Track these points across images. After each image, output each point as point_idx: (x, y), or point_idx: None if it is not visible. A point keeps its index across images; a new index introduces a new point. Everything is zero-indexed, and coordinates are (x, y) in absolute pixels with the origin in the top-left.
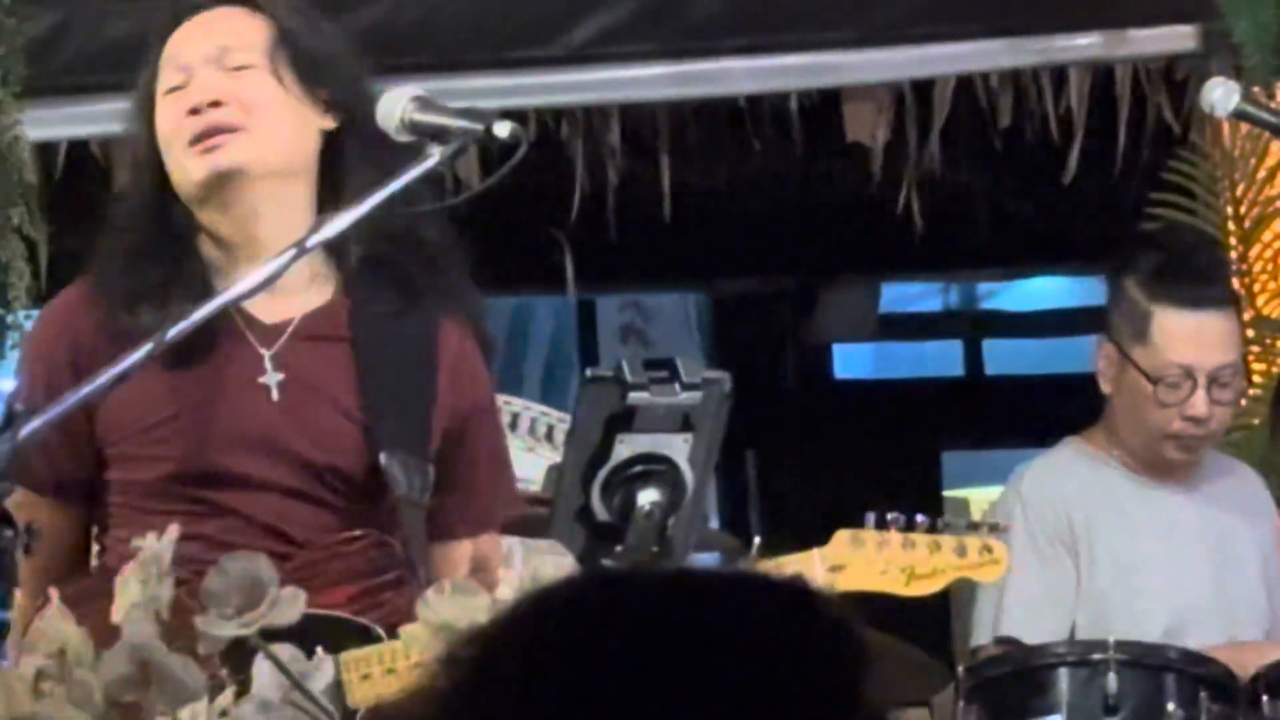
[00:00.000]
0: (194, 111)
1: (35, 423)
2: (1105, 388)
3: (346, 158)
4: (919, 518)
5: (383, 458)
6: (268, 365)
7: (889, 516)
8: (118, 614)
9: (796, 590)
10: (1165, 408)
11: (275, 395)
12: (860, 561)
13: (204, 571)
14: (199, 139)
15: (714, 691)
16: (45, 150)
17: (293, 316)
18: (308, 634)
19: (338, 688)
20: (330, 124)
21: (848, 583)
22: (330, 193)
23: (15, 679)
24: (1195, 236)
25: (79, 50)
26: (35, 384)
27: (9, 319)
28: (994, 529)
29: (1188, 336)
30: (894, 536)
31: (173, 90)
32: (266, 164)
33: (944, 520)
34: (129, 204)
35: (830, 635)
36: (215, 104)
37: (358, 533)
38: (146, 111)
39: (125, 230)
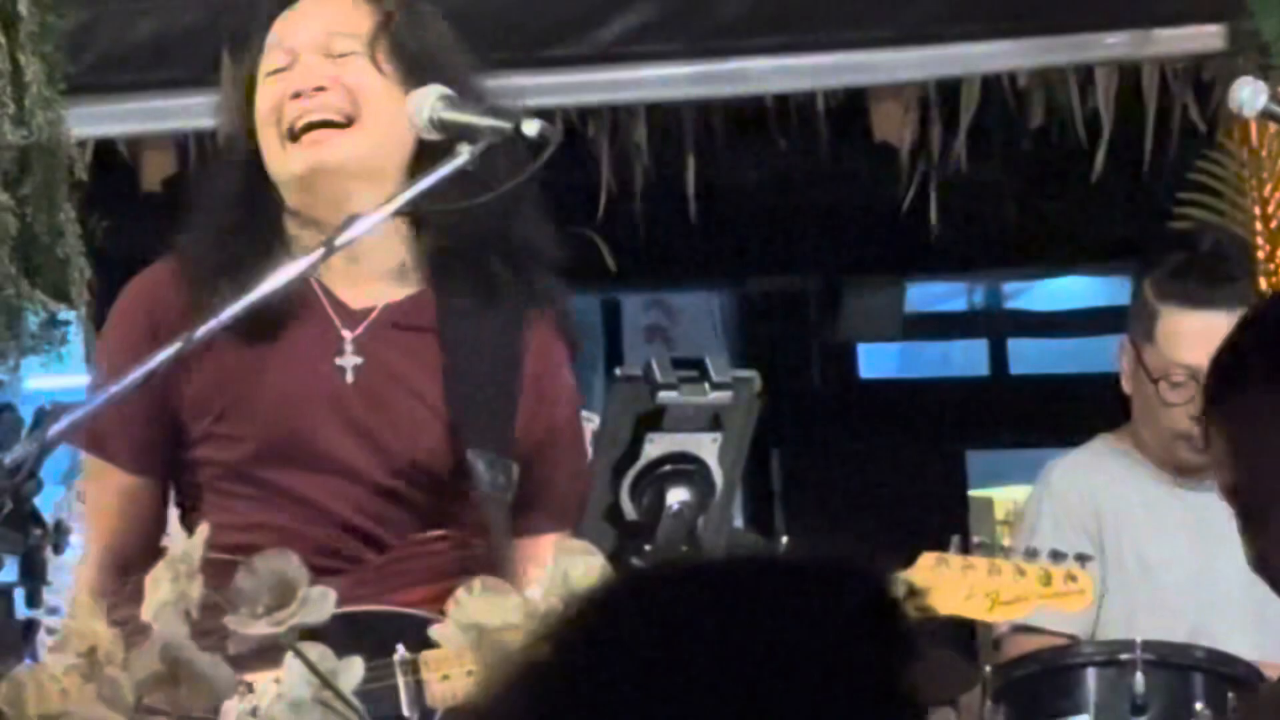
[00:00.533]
0: (297, 95)
1: (113, 389)
2: (1125, 387)
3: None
4: (1006, 543)
5: (469, 453)
6: (348, 348)
7: (973, 540)
8: (148, 612)
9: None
10: (1170, 407)
11: (350, 378)
12: (945, 585)
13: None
14: (303, 131)
15: (779, 679)
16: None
17: (378, 303)
18: (388, 632)
19: (418, 686)
20: None
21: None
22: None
23: (46, 676)
24: (1224, 237)
25: (106, 49)
26: (115, 355)
27: (70, 315)
28: (1080, 558)
29: (1190, 336)
30: (979, 561)
31: (276, 72)
32: (364, 160)
33: (1030, 547)
34: (217, 182)
35: (899, 629)
36: (319, 89)
37: (441, 532)
38: (244, 93)
39: (212, 209)
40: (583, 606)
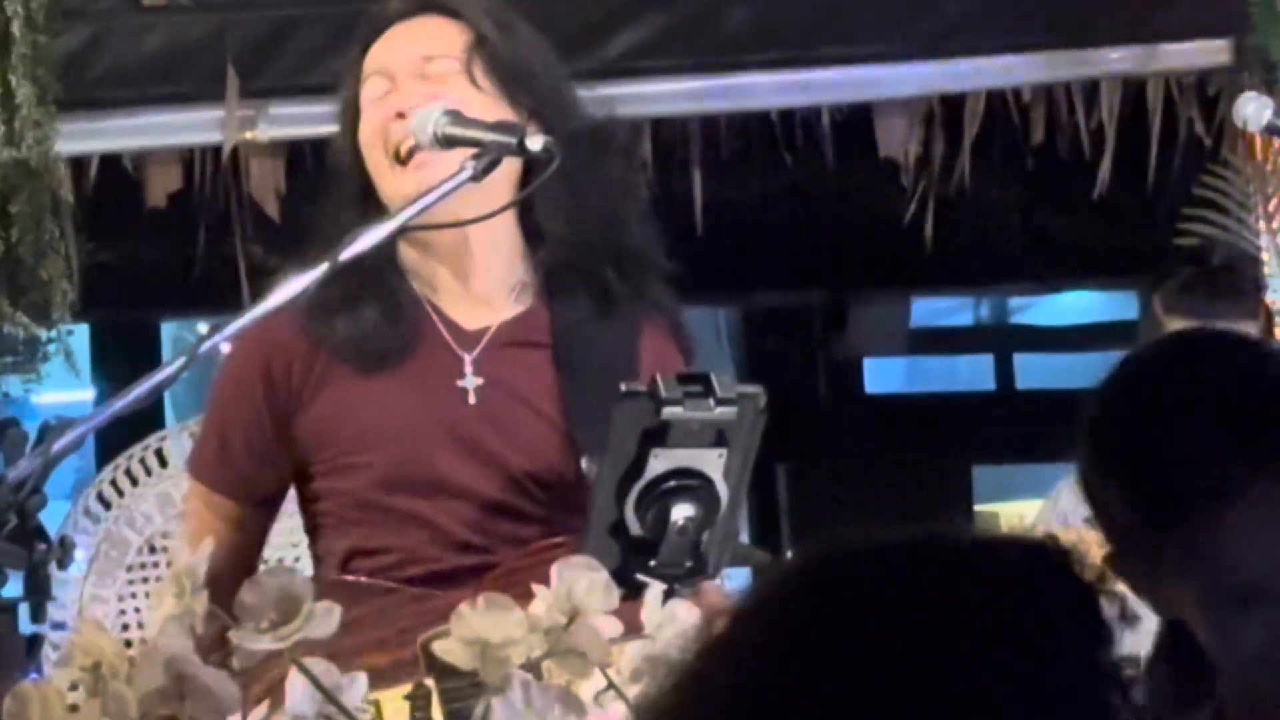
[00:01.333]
0: (401, 115)
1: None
2: None
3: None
4: None
5: (584, 463)
6: (468, 369)
7: None
8: (152, 627)
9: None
10: None
11: (473, 399)
12: None
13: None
14: (410, 155)
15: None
16: (77, 165)
17: (492, 323)
18: None
19: None
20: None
21: None
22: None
23: (51, 691)
24: (1235, 252)
25: (112, 64)
26: (227, 390)
27: (50, 334)
28: None
29: None
30: None
31: (377, 99)
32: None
33: None
34: (332, 215)
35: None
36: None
37: (560, 539)
38: (350, 123)
39: (328, 239)
40: (751, 594)
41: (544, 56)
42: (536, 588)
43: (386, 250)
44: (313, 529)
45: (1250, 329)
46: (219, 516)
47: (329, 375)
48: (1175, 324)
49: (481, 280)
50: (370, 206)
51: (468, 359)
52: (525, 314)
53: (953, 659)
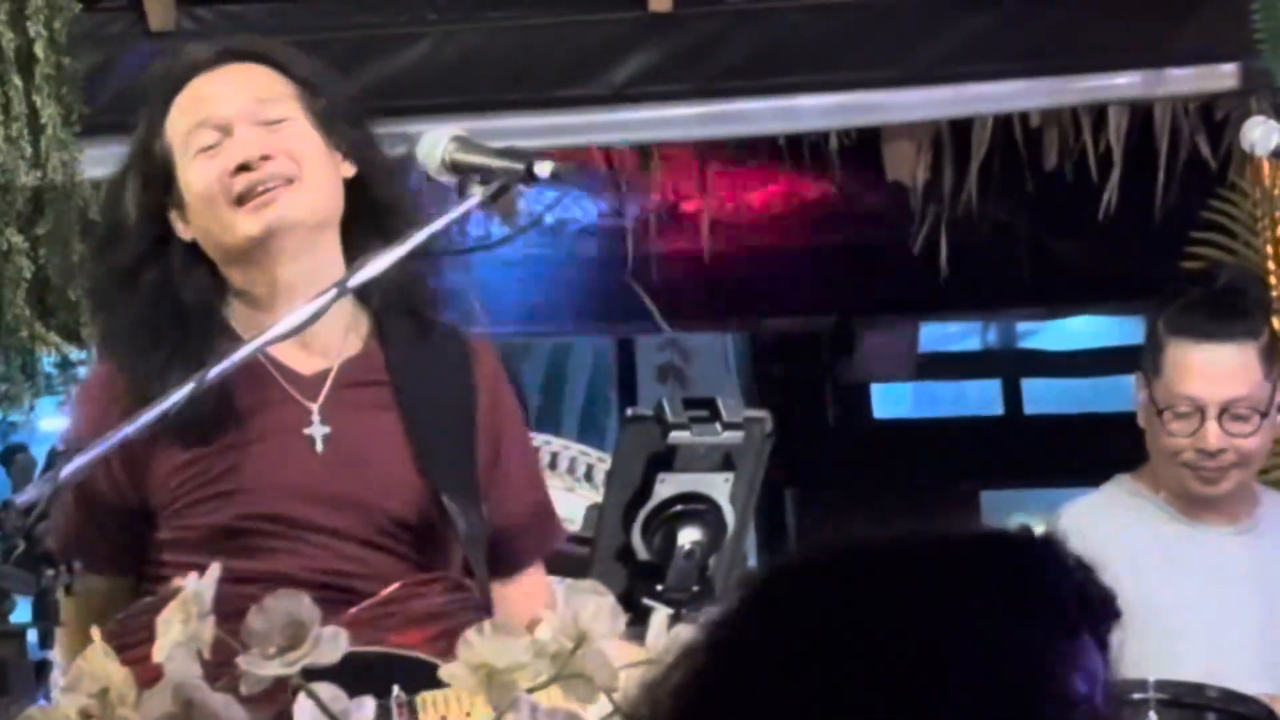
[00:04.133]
0: (243, 168)
1: (122, 432)
2: (1140, 422)
3: (367, 204)
4: None
5: (443, 498)
6: (315, 418)
7: None
8: (160, 653)
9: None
10: (1175, 438)
11: (320, 447)
12: None
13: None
14: (249, 195)
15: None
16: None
17: (330, 366)
18: (385, 673)
19: None
20: (350, 172)
21: None
22: (347, 240)
23: (59, 717)
24: (1241, 272)
25: (121, 89)
26: (85, 433)
27: (82, 356)
28: None
29: (1195, 369)
30: None
31: (207, 149)
32: (316, 215)
33: None
34: (123, 275)
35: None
36: (265, 158)
37: (434, 575)
38: (150, 173)
39: (129, 304)
40: (749, 594)
41: (348, 96)
42: (545, 614)
43: (208, 307)
44: (151, 576)
45: (1252, 351)
46: (102, 596)
47: (167, 438)
48: (1178, 344)
49: (320, 322)
50: (172, 260)
51: (314, 407)
52: (361, 354)
53: (917, 638)
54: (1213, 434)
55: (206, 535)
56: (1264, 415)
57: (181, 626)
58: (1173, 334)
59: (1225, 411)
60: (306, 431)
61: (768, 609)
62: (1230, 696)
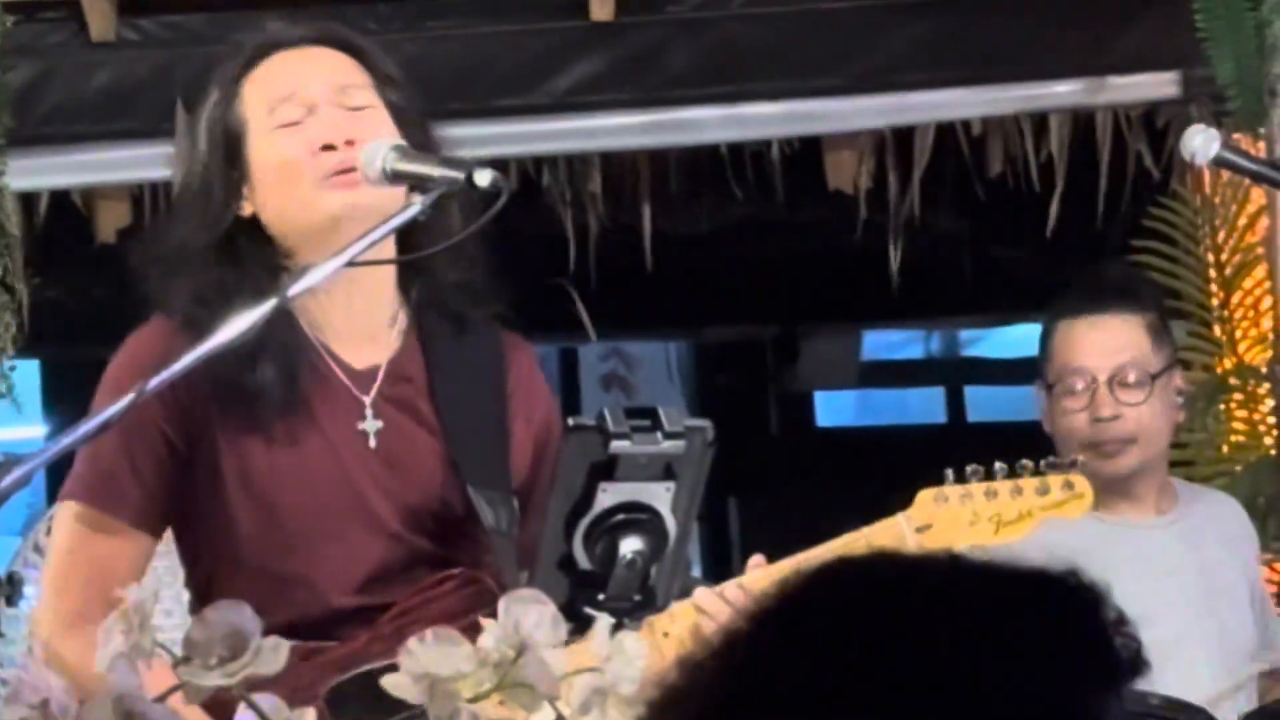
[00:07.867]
0: (328, 148)
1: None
2: (1046, 427)
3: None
4: (997, 465)
5: (470, 492)
6: (368, 412)
7: (968, 469)
8: (101, 663)
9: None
10: (1071, 415)
11: (373, 442)
12: (947, 517)
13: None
14: (333, 175)
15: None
16: (26, 200)
17: (379, 361)
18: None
19: None
20: None
21: (937, 540)
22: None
23: None
24: (1127, 272)
25: (61, 100)
26: (127, 419)
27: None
28: (1072, 465)
29: (1080, 339)
30: (976, 487)
31: (291, 124)
32: (388, 205)
33: (1021, 463)
34: (192, 244)
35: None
36: (350, 143)
37: (453, 572)
38: (225, 145)
39: (201, 267)
40: (767, 605)
41: (412, 94)
42: (484, 622)
43: (271, 282)
44: (197, 564)
45: (1137, 323)
46: (116, 549)
47: (226, 422)
48: (1062, 323)
49: (370, 316)
50: (244, 233)
51: (366, 401)
52: (405, 350)
53: (952, 671)
54: (1104, 401)
55: (253, 530)
56: (1155, 379)
57: (123, 637)
58: (1059, 317)
59: (1114, 379)
60: (360, 426)
61: (799, 636)
62: (1174, 705)
